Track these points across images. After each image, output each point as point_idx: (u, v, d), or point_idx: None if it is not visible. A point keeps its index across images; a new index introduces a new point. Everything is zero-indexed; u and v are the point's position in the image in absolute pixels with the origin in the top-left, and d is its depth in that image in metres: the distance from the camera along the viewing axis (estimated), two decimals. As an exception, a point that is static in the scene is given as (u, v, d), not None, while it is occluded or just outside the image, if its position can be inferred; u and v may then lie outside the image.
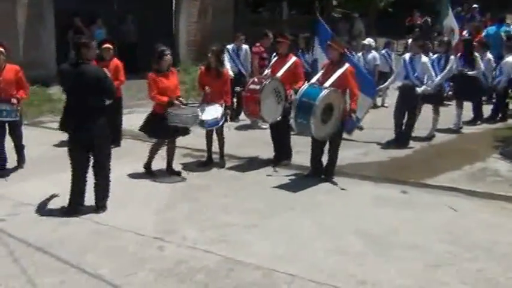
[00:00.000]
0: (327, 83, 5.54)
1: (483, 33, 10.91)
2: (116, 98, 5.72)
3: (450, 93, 8.60)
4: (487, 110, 8.93)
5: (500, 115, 9.04)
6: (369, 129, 7.66)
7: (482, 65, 8.36)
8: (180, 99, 5.84)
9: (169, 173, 5.89)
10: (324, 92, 5.32)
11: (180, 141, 7.23)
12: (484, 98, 9.10)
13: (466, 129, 8.28)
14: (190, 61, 12.07)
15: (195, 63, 11.77)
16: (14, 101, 5.64)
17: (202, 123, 5.90)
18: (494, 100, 9.13)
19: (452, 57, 7.99)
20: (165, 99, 5.65)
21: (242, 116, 7.93)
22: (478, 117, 8.76)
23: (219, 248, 4.11)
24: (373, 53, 9.85)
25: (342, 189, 5.57)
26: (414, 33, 11.65)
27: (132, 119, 7.97)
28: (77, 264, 3.80)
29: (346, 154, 6.21)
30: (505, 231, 4.59)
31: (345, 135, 6.25)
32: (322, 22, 7.39)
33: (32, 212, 4.74)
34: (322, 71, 5.89)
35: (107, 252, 4.00)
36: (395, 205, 5.16)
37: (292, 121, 5.51)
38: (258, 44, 8.56)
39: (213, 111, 5.95)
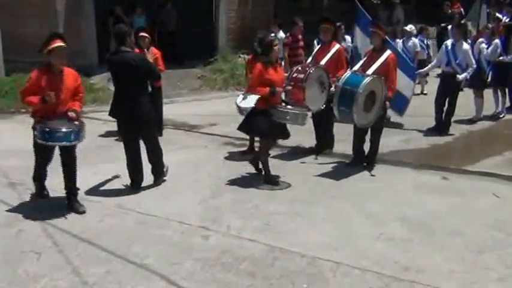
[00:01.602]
0: (370, 70, 5.40)
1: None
2: (156, 86, 5.59)
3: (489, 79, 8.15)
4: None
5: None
6: (410, 116, 7.42)
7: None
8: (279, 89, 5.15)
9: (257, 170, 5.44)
10: (367, 80, 5.17)
11: (221, 129, 7.23)
12: None
13: (506, 115, 8.04)
14: (229, 49, 11.85)
15: (234, 51, 11.58)
16: (71, 114, 4.33)
17: (241, 110, 5.78)
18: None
19: (496, 40, 7.55)
20: (266, 90, 4.97)
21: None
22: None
23: (263, 237, 4.07)
24: (414, 40, 9.48)
25: (372, 175, 5.50)
26: (455, 20, 11.10)
27: (173, 109, 8.03)
28: (123, 254, 3.76)
29: (388, 142, 6.15)
30: None
31: (395, 118, 5.84)
32: (361, 9, 7.08)
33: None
34: (365, 58, 5.77)
35: (153, 242, 3.96)
36: (437, 191, 5.10)
37: (334, 109, 5.38)
38: (287, 35, 8.26)
39: (253, 99, 5.79)
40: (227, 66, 10.98)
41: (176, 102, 9.15)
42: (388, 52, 5.58)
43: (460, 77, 6.88)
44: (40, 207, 4.56)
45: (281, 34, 8.74)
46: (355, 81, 5.17)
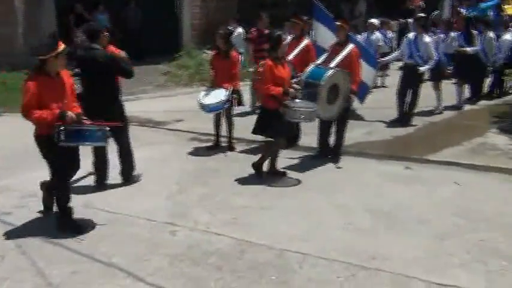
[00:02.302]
0: (333, 64, 5.44)
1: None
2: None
3: (449, 71, 8.41)
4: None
5: (497, 92, 8.89)
6: (373, 108, 7.53)
7: (478, 43, 8.16)
8: (294, 86, 5.03)
9: (275, 174, 5.23)
10: (329, 72, 5.21)
11: (187, 125, 7.14)
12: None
13: (465, 106, 8.29)
14: (194, 45, 11.78)
15: (199, 47, 11.48)
16: (84, 121, 3.98)
17: (203, 107, 5.71)
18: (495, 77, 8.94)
19: (453, 33, 7.78)
20: (279, 89, 4.83)
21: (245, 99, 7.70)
22: (477, 95, 8.62)
23: (231, 231, 4.06)
24: (377, 34, 9.62)
25: (338, 167, 5.54)
26: (416, 13, 11.37)
27: (138, 105, 7.86)
28: (89, 253, 3.69)
29: (352, 134, 6.22)
30: (507, 202, 4.64)
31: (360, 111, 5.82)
32: (317, 4, 7.11)
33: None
34: (328, 52, 5.79)
35: (120, 240, 3.90)
36: (401, 181, 5.19)
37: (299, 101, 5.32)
38: (253, 29, 8.23)
39: (216, 96, 5.75)
40: (192, 62, 10.92)
41: (141, 98, 8.98)
42: (351, 45, 5.64)
43: (422, 68, 7.03)
44: (2, 209, 4.37)
45: (239, 30, 8.67)
46: (318, 74, 5.20)
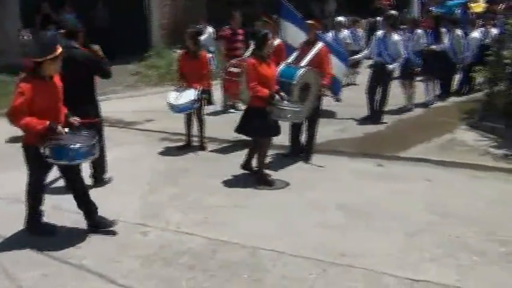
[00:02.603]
0: (303, 62, 5.47)
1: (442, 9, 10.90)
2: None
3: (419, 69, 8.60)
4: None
5: (465, 89, 9.12)
6: (344, 106, 7.62)
7: (446, 41, 8.36)
8: (281, 93, 4.97)
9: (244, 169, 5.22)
10: (301, 71, 5.25)
11: (158, 125, 7.06)
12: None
13: (435, 103, 8.45)
14: (163, 45, 11.66)
15: (169, 47, 11.37)
16: (75, 120, 3.88)
17: (172, 107, 5.66)
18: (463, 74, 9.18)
19: (419, 31, 7.94)
20: (265, 91, 4.77)
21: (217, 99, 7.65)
22: (446, 92, 8.84)
23: (203, 230, 4.04)
24: (345, 32, 9.73)
25: (320, 166, 5.55)
26: (385, 12, 11.56)
27: (108, 106, 7.67)
28: (60, 256, 3.63)
29: (324, 131, 6.24)
30: (475, 197, 4.74)
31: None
32: (285, 3, 7.15)
33: (8, 205, 4.43)
34: (298, 51, 5.81)
35: (90, 242, 3.85)
36: (372, 178, 5.24)
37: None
38: (225, 27, 8.20)
39: (185, 96, 5.72)
40: (162, 62, 10.84)
41: (111, 99, 8.82)
42: (320, 44, 5.70)
43: (391, 67, 7.14)
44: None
45: (210, 29, 8.63)
46: (289, 73, 5.24)
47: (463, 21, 9.54)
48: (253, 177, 5.05)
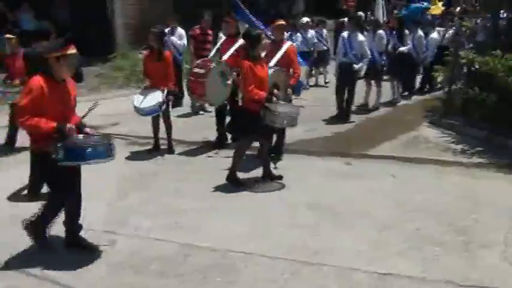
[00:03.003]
0: (271, 62, 5.49)
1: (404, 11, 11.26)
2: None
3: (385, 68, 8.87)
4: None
5: (427, 87, 9.45)
6: (314, 106, 7.71)
7: (410, 42, 8.65)
8: (275, 92, 4.95)
9: (269, 178, 5.08)
10: (269, 72, 5.24)
11: (124, 129, 6.92)
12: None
13: (400, 102, 8.78)
14: (128, 45, 11.42)
15: (134, 48, 11.16)
16: (90, 130, 3.64)
17: (138, 110, 5.58)
18: (424, 74, 9.50)
19: (380, 31, 8.15)
20: (263, 95, 4.71)
21: (186, 101, 7.62)
22: (410, 91, 9.13)
23: (173, 235, 3.99)
24: (312, 32, 9.86)
25: (275, 167, 5.51)
26: (350, 13, 11.82)
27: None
28: (23, 267, 3.50)
29: (293, 132, 6.26)
30: (437, 191, 4.92)
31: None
32: (239, 4, 7.19)
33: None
34: (265, 52, 5.76)
35: (58, 252, 3.71)
36: (342, 177, 5.34)
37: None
38: (195, 27, 8.15)
39: (152, 98, 5.63)
40: (127, 63, 10.61)
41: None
42: (288, 43, 5.76)
43: (357, 66, 7.32)
44: None
45: (180, 30, 8.53)
46: None
47: (423, 22, 9.86)
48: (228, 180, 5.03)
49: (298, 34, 9.58)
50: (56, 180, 3.49)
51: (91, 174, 5.13)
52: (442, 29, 9.56)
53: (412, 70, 9.09)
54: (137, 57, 10.71)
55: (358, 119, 7.61)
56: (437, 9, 11.64)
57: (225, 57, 5.96)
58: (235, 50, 5.97)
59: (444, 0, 13.20)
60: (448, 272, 3.43)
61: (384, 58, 8.28)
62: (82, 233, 3.82)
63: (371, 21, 8.93)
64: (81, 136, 3.48)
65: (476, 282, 3.31)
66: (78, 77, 4.54)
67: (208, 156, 5.99)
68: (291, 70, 5.63)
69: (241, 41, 6.11)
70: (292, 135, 6.20)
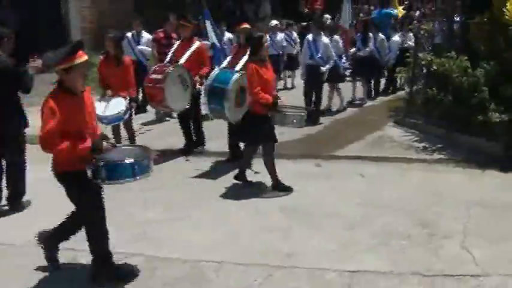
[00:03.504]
0: (238, 66, 5.47)
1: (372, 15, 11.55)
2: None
3: (349, 71, 9.09)
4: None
5: (391, 88, 9.71)
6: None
7: (371, 44, 8.87)
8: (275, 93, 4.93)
9: (279, 189, 5.02)
10: (236, 76, 5.21)
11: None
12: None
13: (366, 103, 9.02)
14: (86, 50, 10.98)
15: (93, 53, 10.82)
16: (108, 145, 3.24)
17: (101, 119, 5.43)
18: (387, 75, 9.74)
19: (336, 36, 8.27)
20: (270, 98, 4.75)
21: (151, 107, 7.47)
22: (375, 92, 9.36)
23: (140, 248, 3.89)
24: (281, 35, 9.91)
25: (256, 172, 5.49)
26: (315, 16, 12.00)
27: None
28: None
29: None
30: (404, 188, 5.12)
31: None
32: (204, 6, 7.17)
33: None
34: (232, 55, 5.86)
35: (11, 273, 3.57)
36: (312, 178, 5.43)
37: (206, 107, 5.39)
38: (159, 30, 8.03)
39: (114, 106, 5.48)
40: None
41: (28, 113, 8.27)
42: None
43: (323, 68, 7.46)
44: None
45: (146, 35, 8.36)
46: (224, 78, 5.23)
47: (385, 25, 10.14)
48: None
49: (267, 37, 9.62)
50: (91, 199, 3.27)
51: (48, 189, 4.95)
52: (403, 32, 9.82)
53: (377, 72, 9.33)
54: (96, 63, 10.42)
55: (327, 120, 7.75)
56: (399, 12, 11.99)
57: (182, 60, 5.88)
58: (192, 53, 5.91)
59: (406, 4, 13.63)
60: (414, 264, 3.57)
61: (344, 61, 8.45)
62: (41, 254, 3.66)
63: (328, 25, 9.13)
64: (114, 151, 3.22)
65: (438, 271, 3.47)
66: (28, 89, 4.37)
67: (176, 164, 5.90)
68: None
69: (197, 44, 6.07)
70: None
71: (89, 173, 3.09)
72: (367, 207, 4.59)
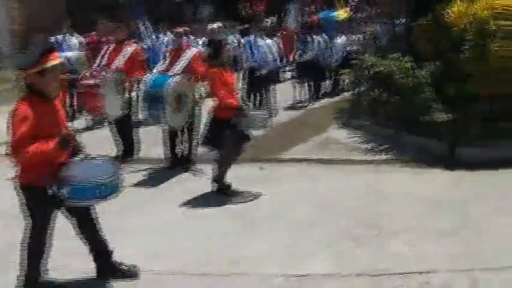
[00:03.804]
0: (175, 70, 5.41)
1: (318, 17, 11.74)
2: None
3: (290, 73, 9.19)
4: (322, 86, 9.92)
5: (336, 90, 9.90)
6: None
7: (315, 46, 9.02)
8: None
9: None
10: (174, 80, 5.20)
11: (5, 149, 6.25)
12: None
13: (310, 105, 9.12)
14: (14, 53, 10.46)
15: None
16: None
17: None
18: (331, 77, 9.92)
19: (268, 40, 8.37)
20: (235, 102, 4.75)
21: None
22: (318, 94, 9.48)
23: (73, 260, 3.61)
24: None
25: (193, 175, 5.50)
26: (256, 19, 12.04)
27: None
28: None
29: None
30: (351, 189, 5.14)
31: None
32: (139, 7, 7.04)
33: None
34: (169, 58, 5.75)
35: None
36: (257, 182, 5.32)
37: (144, 113, 5.32)
38: (92, 33, 7.72)
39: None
40: (14, 75, 9.69)
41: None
42: (193, 49, 5.76)
43: (264, 70, 7.49)
44: None
45: (74, 37, 8.00)
46: (161, 83, 5.14)
47: (329, 28, 10.34)
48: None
49: (204, 39, 9.56)
50: (43, 216, 3.12)
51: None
52: (347, 34, 10.07)
53: (320, 74, 9.49)
54: (26, 68, 9.88)
55: (270, 123, 7.66)
56: (343, 14, 12.25)
57: (117, 64, 5.71)
58: (128, 57, 5.76)
59: (352, 6, 13.93)
60: (361, 264, 3.57)
61: (282, 64, 8.55)
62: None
63: (269, 28, 9.28)
64: (83, 166, 3.05)
65: (386, 270, 3.47)
66: None
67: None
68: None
69: (132, 47, 5.88)
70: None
71: (51, 190, 2.98)
72: (313, 209, 4.57)
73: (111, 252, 3.42)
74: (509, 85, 5.73)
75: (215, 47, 4.85)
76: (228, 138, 4.73)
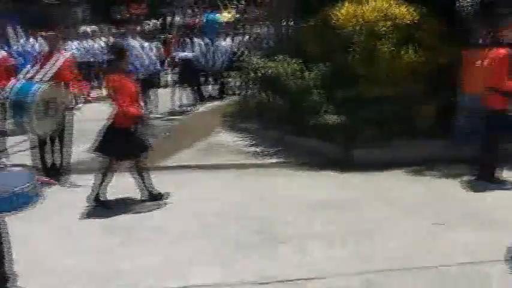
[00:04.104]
0: (43, 76, 5.13)
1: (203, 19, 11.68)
2: None
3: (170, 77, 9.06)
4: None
5: (222, 93, 9.91)
6: (98, 120, 7.13)
7: (196, 49, 8.96)
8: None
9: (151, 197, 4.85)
10: (40, 87, 4.97)
11: None
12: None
13: (195, 109, 9.02)
14: None
15: None
16: None
17: None
18: (217, 80, 9.90)
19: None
20: (138, 112, 4.66)
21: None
22: (202, 97, 9.41)
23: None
24: (89, 42, 9.50)
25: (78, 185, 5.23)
26: (132, 21, 11.74)
27: None
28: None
29: (77, 149, 5.71)
30: (240, 195, 5.02)
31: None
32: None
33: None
34: (38, 63, 5.37)
35: None
36: (136, 192, 5.01)
37: (10, 120, 5.12)
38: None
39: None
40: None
41: None
42: (66, 54, 5.59)
43: (140, 75, 7.23)
44: None
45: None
46: (27, 89, 4.92)
47: (211, 30, 10.33)
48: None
49: (74, 44, 9.16)
50: None
51: None
52: (232, 36, 10.08)
53: (202, 77, 9.46)
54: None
55: (155, 129, 7.35)
56: (227, 16, 12.28)
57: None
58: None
59: (239, 8, 14.04)
60: (247, 272, 3.50)
61: (159, 68, 8.29)
62: None
63: (148, 31, 9.13)
64: None
65: (273, 277, 3.42)
66: None
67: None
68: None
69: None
70: (76, 151, 5.69)
71: None
72: (199, 217, 4.44)
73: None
74: (398, 86, 5.82)
75: (118, 53, 4.79)
76: (124, 147, 4.64)
